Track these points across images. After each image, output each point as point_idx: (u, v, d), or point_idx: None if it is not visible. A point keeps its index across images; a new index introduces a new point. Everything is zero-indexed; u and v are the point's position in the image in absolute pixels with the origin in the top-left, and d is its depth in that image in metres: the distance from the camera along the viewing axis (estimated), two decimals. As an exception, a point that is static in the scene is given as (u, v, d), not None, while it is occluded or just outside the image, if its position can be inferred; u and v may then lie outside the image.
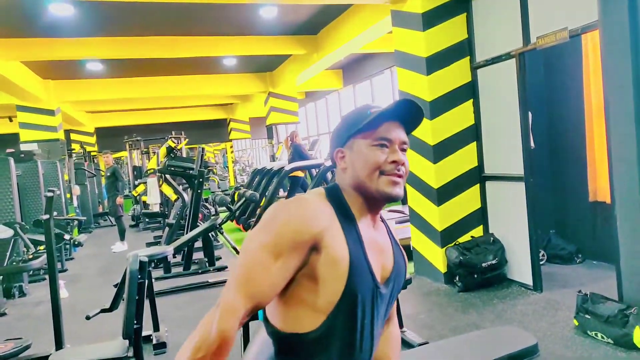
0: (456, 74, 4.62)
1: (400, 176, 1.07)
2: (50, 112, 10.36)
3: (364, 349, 1.09)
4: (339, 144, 1.12)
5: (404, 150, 1.09)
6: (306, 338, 1.03)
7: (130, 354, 2.59)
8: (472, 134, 4.66)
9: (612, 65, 3.21)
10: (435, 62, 4.55)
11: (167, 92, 12.10)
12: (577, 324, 3.28)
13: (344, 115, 1.16)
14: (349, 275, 1.01)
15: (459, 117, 4.63)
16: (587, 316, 3.19)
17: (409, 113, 1.09)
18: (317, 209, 1.03)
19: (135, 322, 2.60)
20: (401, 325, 3.41)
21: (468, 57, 4.64)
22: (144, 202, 9.54)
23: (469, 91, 4.65)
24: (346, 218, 1.06)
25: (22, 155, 6.62)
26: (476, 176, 4.67)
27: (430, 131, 4.54)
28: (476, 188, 4.68)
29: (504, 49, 4.22)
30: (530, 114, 4.21)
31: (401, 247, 1.21)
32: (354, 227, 1.06)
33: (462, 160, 4.63)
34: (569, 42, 3.75)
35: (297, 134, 8.27)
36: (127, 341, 2.61)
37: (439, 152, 4.57)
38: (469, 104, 4.66)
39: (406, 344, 3.22)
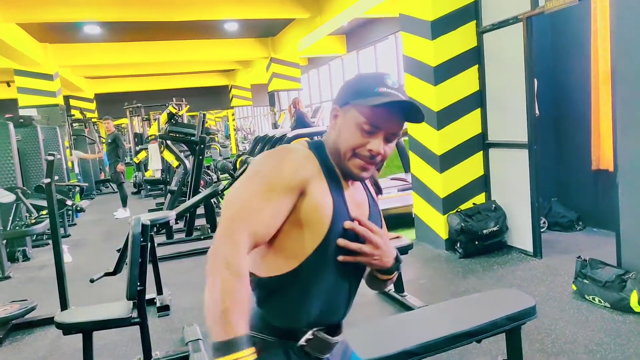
0: (462, 39, 4.52)
1: (371, 164, 1.08)
2: (49, 77, 10.24)
3: (342, 294, 1.13)
4: (339, 102, 1.11)
5: (389, 140, 1.08)
6: (285, 280, 1.05)
7: (135, 314, 2.63)
8: (477, 100, 4.60)
9: (621, 27, 3.13)
10: (441, 26, 4.45)
11: (168, 57, 11.93)
12: (575, 288, 3.31)
13: (360, 74, 1.14)
14: (332, 221, 1.04)
15: (464, 83, 4.56)
16: (585, 281, 3.22)
17: (410, 112, 1.08)
18: (304, 157, 1.06)
19: (138, 284, 2.63)
20: (402, 290, 3.46)
21: (474, 22, 4.53)
22: (146, 173, 9.55)
23: (474, 56, 4.56)
24: (328, 169, 1.08)
25: (22, 121, 6.57)
26: (480, 143, 4.63)
27: (434, 97, 4.48)
28: (479, 155, 4.65)
29: (511, 12, 4.11)
30: (535, 81, 4.14)
31: (376, 199, 1.23)
32: (336, 178, 1.09)
33: (466, 126, 4.59)
34: (577, 6, 3.66)
35: (299, 100, 8.18)
36: (131, 302, 2.64)
37: (443, 118, 4.52)
38: (474, 70, 4.58)
39: (407, 308, 3.27)
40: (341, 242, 1.06)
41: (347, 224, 1.06)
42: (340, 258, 1.07)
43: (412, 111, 1.07)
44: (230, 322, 0.91)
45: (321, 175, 1.06)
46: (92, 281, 3.31)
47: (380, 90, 1.05)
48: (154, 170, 8.62)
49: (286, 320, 1.08)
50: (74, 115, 13.42)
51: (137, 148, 10.67)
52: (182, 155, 7.05)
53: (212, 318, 0.92)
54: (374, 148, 1.06)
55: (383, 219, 1.24)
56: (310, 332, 1.08)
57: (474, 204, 4.58)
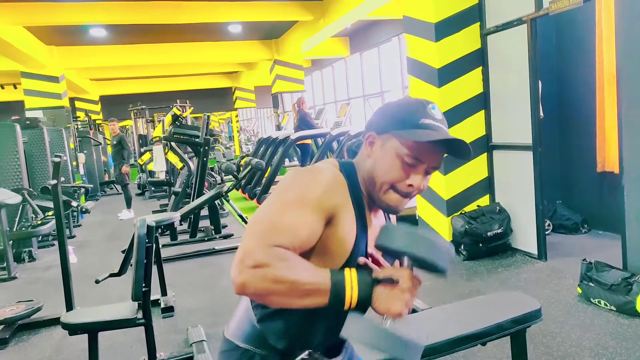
0: (465, 41, 4.52)
1: (408, 198, 1.04)
2: (55, 79, 10.31)
3: (343, 318, 1.09)
4: (375, 129, 1.05)
5: (428, 173, 1.04)
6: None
7: (140, 315, 2.64)
8: (481, 102, 4.60)
9: (626, 29, 3.13)
10: (445, 28, 4.45)
11: (172, 59, 11.99)
12: (580, 291, 3.30)
13: (401, 102, 1.08)
14: (349, 256, 1.01)
15: (468, 85, 4.56)
16: (590, 284, 3.21)
17: (456, 147, 1.03)
18: (336, 181, 1.00)
19: (143, 284, 2.64)
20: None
21: (478, 23, 4.53)
22: (150, 170, 9.58)
23: (478, 58, 4.56)
24: (357, 199, 1.03)
25: (28, 122, 6.61)
26: (484, 145, 4.63)
27: (438, 99, 4.48)
28: (483, 157, 4.65)
29: (515, 14, 4.11)
30: (540, 83, 4.14)
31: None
32: (363, 210, 1.05)
33: (470, 128, 4.58)
34: (582, 8, 3.64)
35: (303, 100, 8.21)
36: (136, 303, 2.65)
37: (447, 120, 4.45)
38: (477, 72, 4.58)
39: (411, 310, 3.26)
40: None
41: (361, 261, 1.01)
42: None
43: (458, 147, 1.01)
44: (312, 284, 0.87)
45: (349, 203, 1.01)
46: (97, 282, 3.33)
47: (426, 122, 1.00)
48: (159, 172, 8.63)
49: (285, 342, 1.06)
50: (79, 117, 13.48)
51: (142, 150, 10.70)
52: (186, 156, 7.06)
53: (302, 300, 0.88)
54: (414, 184, 1.01)
55: None
56: (306, 352, 1.06)
57: (478, 206, 4.58)
